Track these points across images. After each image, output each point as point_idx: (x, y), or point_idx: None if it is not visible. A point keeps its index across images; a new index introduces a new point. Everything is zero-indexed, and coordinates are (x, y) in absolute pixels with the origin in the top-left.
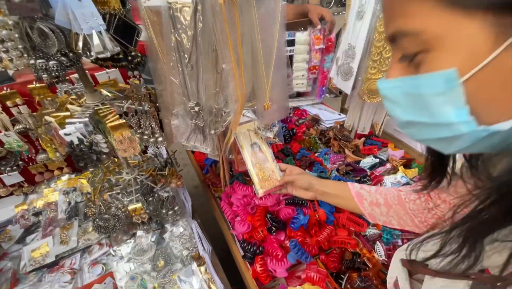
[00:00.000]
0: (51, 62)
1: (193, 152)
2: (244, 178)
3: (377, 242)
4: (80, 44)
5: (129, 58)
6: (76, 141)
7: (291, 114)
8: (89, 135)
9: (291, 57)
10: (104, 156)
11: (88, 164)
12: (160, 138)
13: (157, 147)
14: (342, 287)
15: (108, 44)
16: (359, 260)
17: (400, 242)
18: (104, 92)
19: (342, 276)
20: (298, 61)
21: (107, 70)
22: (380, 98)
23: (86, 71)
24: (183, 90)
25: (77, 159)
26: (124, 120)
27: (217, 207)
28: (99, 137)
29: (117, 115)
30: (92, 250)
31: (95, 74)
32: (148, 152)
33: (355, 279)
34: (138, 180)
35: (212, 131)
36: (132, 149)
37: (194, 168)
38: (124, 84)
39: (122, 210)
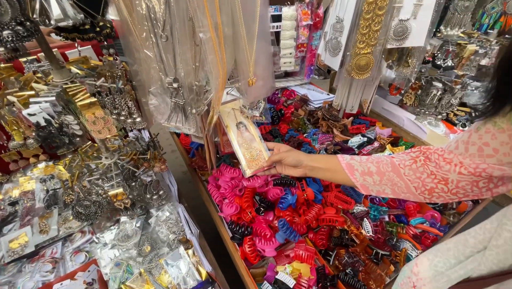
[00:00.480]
0: (5, 32)
1: (178, 135)
2: (232, 160)
3: (365, 219)
4: (37, 10)
5: (97, 29)
6: (43, 123)
7: (279, 95)
8: (58, 116)
9: (277, 34)
10: (77, 139)
11: (60, 147)
12: (138, 119)
13: (135, 129)
14: (330, 263)
15: (69, 11)
16: (346, 236)
17: (387, 218)
18: (74, 69)
19: (330, 253)
20: (285, 38)
21: (79, 48)
22: (369, 74)
23: (56, 49)
24: (159, 65)
25: (46, 142)
26: (96, 99)
27: (205, 191)
28: (70, 118)
29: (88, 94)
30: (74, 238)
31: (65, 52)
32: (129, 135)
33: (343, 255)
34: (118, 165)
35: (194, 111)
36: (107, 130)
37: (180, 151)
38: (97, 62)
39: (103, 196)
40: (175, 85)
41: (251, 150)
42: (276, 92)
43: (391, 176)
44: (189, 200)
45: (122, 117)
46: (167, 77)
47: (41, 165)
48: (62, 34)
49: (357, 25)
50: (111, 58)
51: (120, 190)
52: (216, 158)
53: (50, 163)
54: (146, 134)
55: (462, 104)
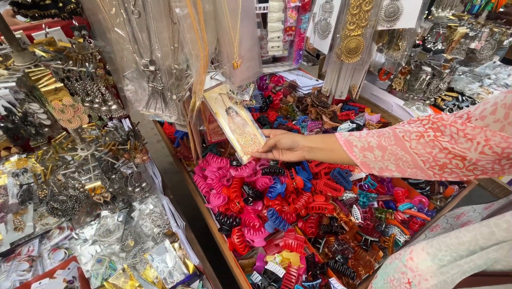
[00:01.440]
0: None
1: (161, 124)
2: (219, 149)
3: (354, 206)
4: None
5: (60, 4)
6: (3, 112)
7: (267, 82)
8: (20, 104)
9: (264, 16)
10: (46, 129)
11: (27, 139)
12: (114, 107)
13: (114, 118)
14: (320, 251)
15: None
16: (336, 224)
17: (376, 204)
18: (39, 52)
19: (320, 240)
20: (272, 20)
21: (47, 29)
22: (359, 58)
23: (21, 31)
24: (133, 45)
25: (9, 133)
26: (62, 84)
27: (191, 182)
28: (35, 106)
29: (54, 79)
30: (51, 235)
31: (32, 34)
32: (108, 125)
33: (333, 242)
34: (96, 156)
35: (174, 96)
36: (78, 119)
37: (164, 141)
38: (67, 44)
39: (81, 190)
40: (151, 68)
41: (245, 135)
42: (264, 78)
43: (394, 149)
44: (177, 191)
45: (96, 105)
46: (142, 59)
47: (13, 158)
48: (21, 11)
49: (348, 5)
50: (81, 40)
51: (98, 183)
52: (202, 147)
53: (23, 156)
54: (127, 124)
55: (450, 89)
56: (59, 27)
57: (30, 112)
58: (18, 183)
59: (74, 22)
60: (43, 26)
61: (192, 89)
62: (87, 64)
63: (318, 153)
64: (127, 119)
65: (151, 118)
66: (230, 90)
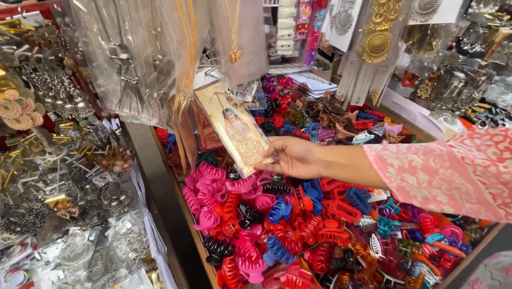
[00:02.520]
0: None
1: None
2: (215, 158)
3: (373, 235)
4: None
5: None
6: None
7: (274, 83)
8: None
9: (274, 11)
10: None
11: None
12: (81, 105)
13: (101, 116)
14: None
15: None
16: (351, 259)
17: (399, 235)
18: None
19: (330, 277)
20: (283, 16)
21: (24, 13)
22: (384, 57)
23: None
24: (99, 26)
25: None
26: (3, 72)
27: (181, 195)
28: None
29: None
30: (12, 252)
31: (6, 18)
32: (95, 124)
33: (346, 282)
34: (66, 163)
35: (155, 94)
36: (28, 118)
37: (157, 145)
38: (31, 27)
39: (44, 202)
40: (123, 56)
41: (246, 142)
42: (272, 79)
43: (449, 175)
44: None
45: (60, 102)
46: (109, 43)
47: None
48: None
49: None
50: (50, 23)
51: (62, 196)
52: (198, 154)
53: None
54: (116, 123)
55: (481, 100)
56: (38, 11)
57: None
58: None
59: (55, 6)
60: (19, 9)
61: (176, 85)
62: (45, 49)
63: (338, 170)
64: (117, 119)
65: (129, 121)
66: (228, 90)
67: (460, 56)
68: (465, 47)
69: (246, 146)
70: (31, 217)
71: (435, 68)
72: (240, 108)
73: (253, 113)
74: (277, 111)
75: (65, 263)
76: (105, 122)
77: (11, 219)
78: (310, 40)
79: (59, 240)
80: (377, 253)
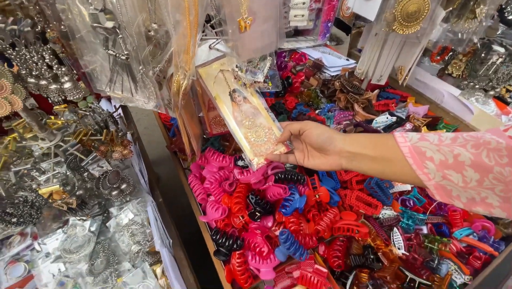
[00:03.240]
0: None
1: None
2: (223, 142)
3: (395, 229)
4: None
5: None
6: None
7: (286, 59)
8: None
9: None
10: None
11: None
12: (67, 85)
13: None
14: (347, 288)
15: None
16: (371, 255)
17: (425, 229)
18: None
19: (348, 274)
20: None
21: None
22: (418, 27)
23: None
24: None
25: None
26: None
27: (186, 182)
28: None
29: None
30: (12, 243)
31: None
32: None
33: (365, 280)
34: (61, 149)
35: (150, 72)
36: (5, 102)
37: (160, 128)
38: None
39: (39, 193)
40: (108, 24)
41: (256, 129)
42: (283, 54)
43: (508, 174)
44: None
45: (44, 82)
46: (89, 7)
47: None
48: None
49: None
50: None
51: (56, 186)
52: (203, 139)
53: None
54: (113, 104)
55: None
56: None
57: None
58: None
59: None
60: None
61: (173, 61)
62: (21, 18)
63: (364, 163)
64: (113, 101)
65: (123, 104)
66: (236, 67)
67: (500, 28)
68: (510, 17)
69: (256, 134)
70: (26, 207)
71: (475, 40)
72: (250, 90)
73: (263, 94)
74: (289, 90)
75: (65, 256)
76: (104, 103)
77: (6, 210)
78: (327, 10)
79: (59, 230)
80: (399, 249)
